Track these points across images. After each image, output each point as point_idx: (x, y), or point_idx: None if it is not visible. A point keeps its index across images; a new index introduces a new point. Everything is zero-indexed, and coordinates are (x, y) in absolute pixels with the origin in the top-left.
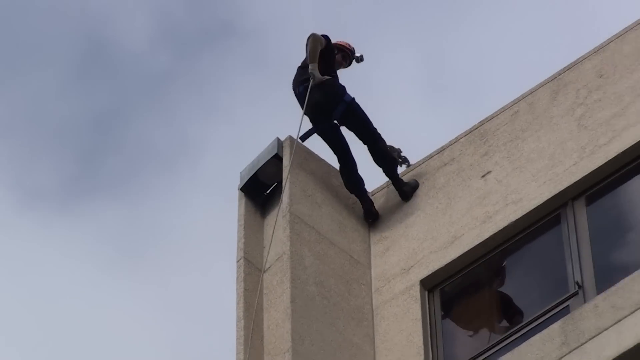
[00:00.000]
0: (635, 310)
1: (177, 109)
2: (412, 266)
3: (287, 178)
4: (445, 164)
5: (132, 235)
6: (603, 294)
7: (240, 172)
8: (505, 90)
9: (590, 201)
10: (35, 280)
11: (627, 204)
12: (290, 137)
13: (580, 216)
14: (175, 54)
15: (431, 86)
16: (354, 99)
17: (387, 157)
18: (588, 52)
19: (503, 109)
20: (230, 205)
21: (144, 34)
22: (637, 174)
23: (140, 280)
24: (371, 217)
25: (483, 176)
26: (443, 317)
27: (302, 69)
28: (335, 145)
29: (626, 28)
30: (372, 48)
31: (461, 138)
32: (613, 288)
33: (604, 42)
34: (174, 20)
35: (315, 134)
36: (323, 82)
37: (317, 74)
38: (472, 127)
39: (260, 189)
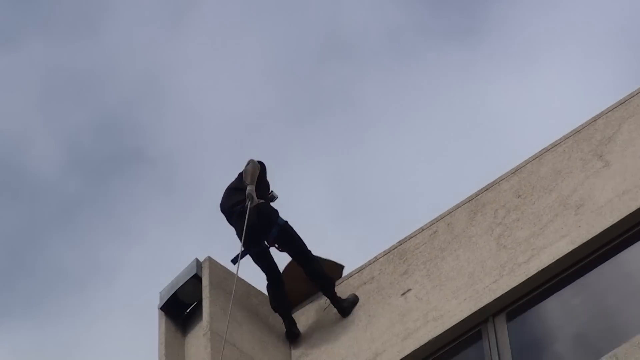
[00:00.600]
0: None
1: (88, 233)
2: None
3: (207, 297)
4: (365, 283)
5: (46, 357)
6: None
7: (160, 292)
8: (423, 211)
9: (510, 317)
10: None
11: (546, 320)
12: (209, 258)
13: (501, 332)
14: (85, 180)
15: (348, 206)
16: (286, 221)
17: (322, 276)
18: (506, 173)
19: (422, 229)
20: (149, 325)
21: (55, 160)
22: (555, 292)
23: None
24: (292, 337)
25: (403, 294)
26: None
27: (233, 190)
28: (266, 267)
29: (543, 149)
30: (284, 170)
31: (380, 257)
32: None
33: (522, 163)
34: (84, 147)
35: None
36: (258, 205)
37: (255, 196)
38: (391, 246)
39: (180, 308)
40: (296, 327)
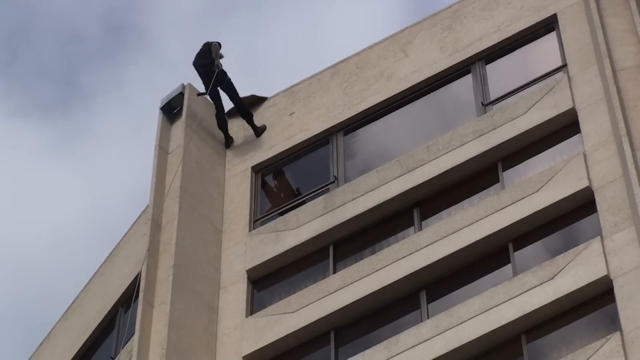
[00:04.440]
0: (365, 193)
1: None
2: (247, 158)
3: (186, 105)
4: (270, 106)
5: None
6: (348, 183)
7: (161, 100)
8: (304, 70)
9: (346, 133)
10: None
11: (366, 137)
12: (190, 84)
13: (340, 141)
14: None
15: (256, 64)
16: (230, 79)
17: (246, 112)
18: (352, 54)
19: (304, 80)
20: (152, 119)
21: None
22: (373, 121)
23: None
24: (228, 144)
25: (290, 114)
26: (261, 187)
27: (200, 55)
28: (216, 101)
29: (373, 44)
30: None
31: (280, 93)
32: (353, 180)
33: (363, 49)
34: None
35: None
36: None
37: (221, 65)
38: (286, 88)
39: (171, 109)
40: (230, 139)
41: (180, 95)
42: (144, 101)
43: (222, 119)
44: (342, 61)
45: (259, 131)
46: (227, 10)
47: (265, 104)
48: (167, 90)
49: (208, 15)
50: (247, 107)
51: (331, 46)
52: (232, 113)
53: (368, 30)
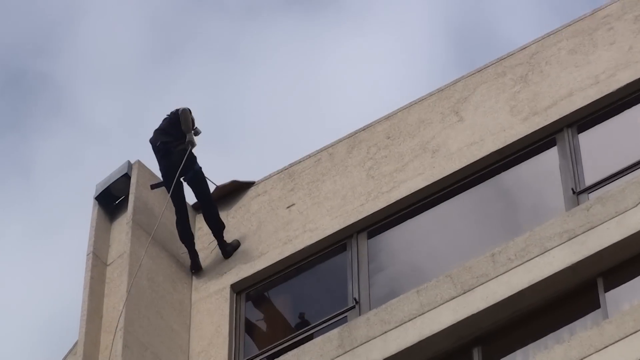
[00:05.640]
0: (400, 324)
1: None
2: (225, 272)
3: (133, 193)
4: (259, 195)
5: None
6: (375, 310)
7: (96, 185)
8: (310, 141)
9: (371, 235)
10: None
11: (401, 240)
12: (139, 161)
13: (362, 246)
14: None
15: (236, 133)
16: (201, 168)
17: (217, 221)
18: (380, 118)
19: (308, 156)
20: (77, 215)
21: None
22: (410, 218)
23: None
24: (195, 268)
25: (288, 207)
26: (246, 316)
27: (162, 131)
28: (177, 200)
29: (412, 102)
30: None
31: (273, 175)
32: (383, 306)
33: (394, 110)
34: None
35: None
36: (185, 150)
37: (194, 141)
38: (283, 167)
39: (111, 200)
40: (198, 260)
41: (125, 178)
42: (61, 187)
43: (185, 228)
44: (364, 128)
45: (229, 250)
46: (180, 52)
47: (252, 192)
48: (96, 172)
49: (153, 60)
50: (218, 215)
51: (344, 105)
52: (198, 207)
53: (400, 83)
